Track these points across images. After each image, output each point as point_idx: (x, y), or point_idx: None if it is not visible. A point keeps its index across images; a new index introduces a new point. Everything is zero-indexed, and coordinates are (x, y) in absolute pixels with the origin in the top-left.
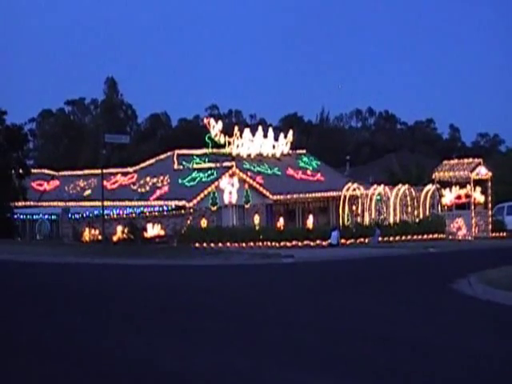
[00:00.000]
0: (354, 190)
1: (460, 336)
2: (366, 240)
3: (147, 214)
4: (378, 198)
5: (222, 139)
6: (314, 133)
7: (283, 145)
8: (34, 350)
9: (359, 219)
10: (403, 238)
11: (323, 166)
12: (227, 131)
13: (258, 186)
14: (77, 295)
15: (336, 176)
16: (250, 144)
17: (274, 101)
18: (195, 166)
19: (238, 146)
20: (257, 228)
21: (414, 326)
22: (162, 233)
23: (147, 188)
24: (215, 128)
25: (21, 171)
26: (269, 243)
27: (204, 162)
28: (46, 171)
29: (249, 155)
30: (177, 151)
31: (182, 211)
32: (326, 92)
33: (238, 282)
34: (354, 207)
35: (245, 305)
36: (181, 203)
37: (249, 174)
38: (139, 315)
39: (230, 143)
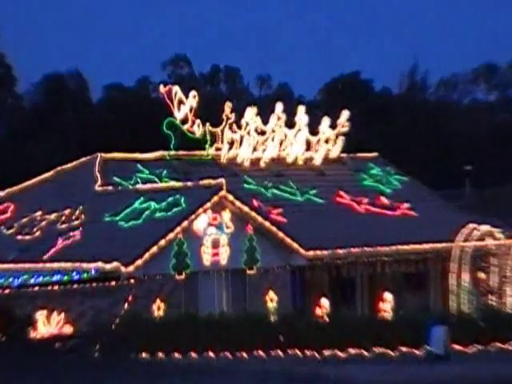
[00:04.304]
0: (483, 237)
1: None
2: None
3: (37, 289)
4: None
5: (197, 129)
6: (394, 113)
7: (330, 141)
8: None
9: (494, 299)
10: None
11: (415, 186)
12: (208, 112)
13: (274, 230)
14: None
15: (441, 207)
16: (257, 139)
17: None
18: (140, 185)
19: (231, 144)
20: (272, 318)
21: None
22: (69, 330)
23: (37, 233)
24: (185, 107)
25: None
26: (298, 351)
27: (159, 177)
28: None
29: (255, 162)
30: (102, 154)
31: (113, 283)
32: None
33: None
34: (480, 274)
35: None
36: (110, 266)
37: (255, 202)
38: None
39: (214, 137)
